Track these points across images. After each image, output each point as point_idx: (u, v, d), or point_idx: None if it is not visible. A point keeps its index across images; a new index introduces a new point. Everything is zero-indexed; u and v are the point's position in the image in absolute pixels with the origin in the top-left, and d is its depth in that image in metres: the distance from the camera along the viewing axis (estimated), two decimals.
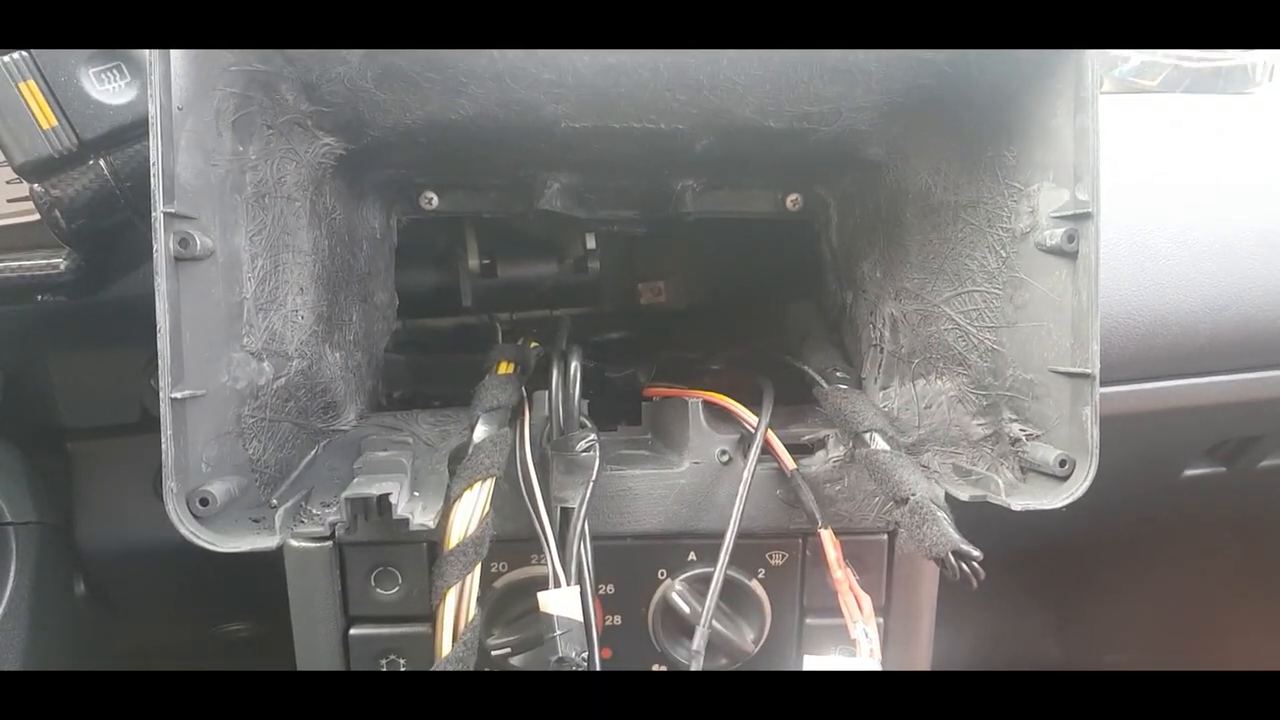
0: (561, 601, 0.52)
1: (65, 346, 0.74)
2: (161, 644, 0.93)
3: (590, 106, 0.52)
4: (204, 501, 0.44)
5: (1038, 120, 0.51)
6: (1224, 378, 0.80)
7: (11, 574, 0.68)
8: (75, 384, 0.75)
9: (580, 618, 0.52)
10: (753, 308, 0.83)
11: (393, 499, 0.49)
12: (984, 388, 0.56)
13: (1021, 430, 0.54)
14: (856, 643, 0.51)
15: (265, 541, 0.46)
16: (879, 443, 0.52)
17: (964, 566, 0.44)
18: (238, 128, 0.47)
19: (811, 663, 0.54)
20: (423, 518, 0.50)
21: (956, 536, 0.45)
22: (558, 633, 0.51)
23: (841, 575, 0.53)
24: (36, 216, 0.55)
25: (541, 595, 0.52)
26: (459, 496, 0.51)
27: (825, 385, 0.60)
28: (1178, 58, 0.82)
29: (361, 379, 0.58)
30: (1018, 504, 0.50)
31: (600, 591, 0.59)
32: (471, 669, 0.48)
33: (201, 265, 0.44)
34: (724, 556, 0.54)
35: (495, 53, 0.48)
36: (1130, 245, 0.73)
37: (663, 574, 0.59)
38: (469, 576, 0.50)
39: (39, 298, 0.60)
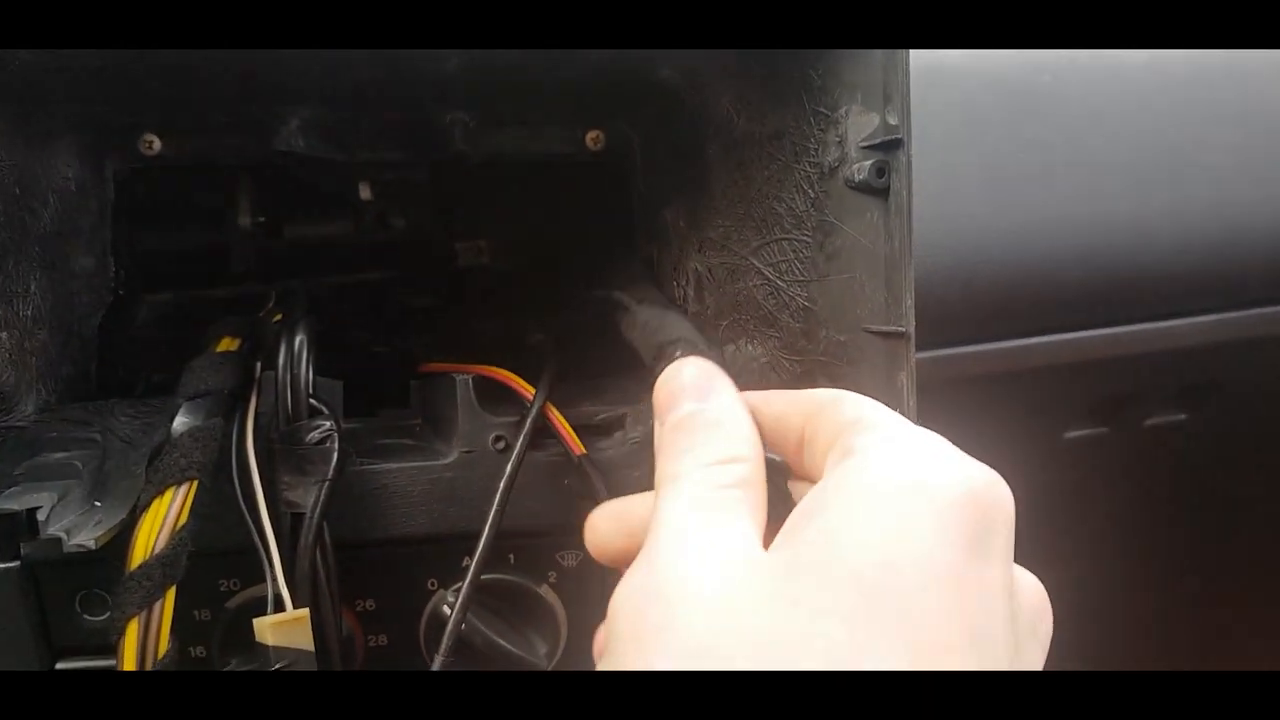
0: (285, 629, 0.43)
1: None
2: None
3: None
4: None
5: None
6: (1099, 331, 0.74)
7: None
8: None
9: (310, 646, 0.43)
10: (585, 266, 0.74)
11: (43, 514, 0.40)
12: (798, 352, 0.48)
13: None
14: None
15: None
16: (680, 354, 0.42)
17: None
18: None
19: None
20: (86, 535, 0.40)
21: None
22: (276, 666, 0.42)
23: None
24: None
25: (258, 622, 0.42)
26: (146, 507, 0.41)
27: (633, 305, 0.50)
28: None
29: (50, 362, 0.48)
30: None
31: (358, 609, 0.50)
32: None
33: None
34: (476, 561, 0.45)
35: None
36: (988, 186, 0.65)
37: (434, 583, 0.50)
38: (158, 604, 0.40)
39: None
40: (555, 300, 0.72)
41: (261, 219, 0.65)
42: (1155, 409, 0.89)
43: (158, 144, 0.52)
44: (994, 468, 0.88)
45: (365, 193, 0.60)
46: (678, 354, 0.40)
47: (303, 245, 0.68)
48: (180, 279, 0.66)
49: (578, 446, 0.48)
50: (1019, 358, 0.72)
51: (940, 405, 0.75)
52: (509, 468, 0.46)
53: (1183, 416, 0.91)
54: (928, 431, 0.32)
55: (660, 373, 0.37)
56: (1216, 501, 1.25)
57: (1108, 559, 1.33)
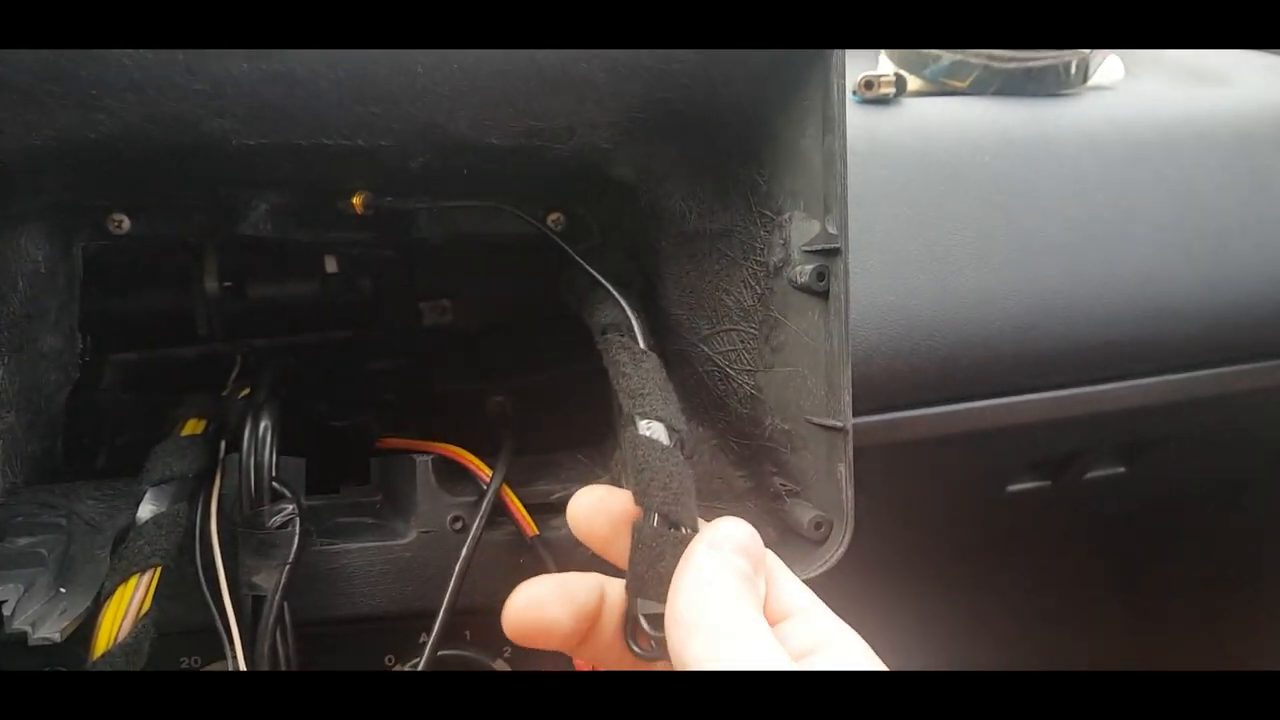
0: None
1: None
2: None
3: (262, 121, 0.43)
4: None
5: (786, 140, 0.45)
6: (1034, 396, 0.77)
7: None
8: None
9: None
10: (548, 328, 0.76)
11: (7, 608, 0.40)
12: (746, 436, 0.50)
13: (783, 485, 0.49)
14: None
15: None
16: (657, 432, 0.42)
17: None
18: None
19: None
20: (50, 628, 0.41)
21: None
22: None
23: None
24: None
25: None
26: (110, 594, 0.42)
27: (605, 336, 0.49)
28: (988, 57, 0.78)
29: (16, 444, 0.49)
30: None
31: None
32: None
33: None
34: (433, 639, 0.46)
35: (125, 56, 0.39)
36: (929, 261, 0.68)
37: (390, 660, 0.51)
38: None
39: None
40: (518, 360, 0.74)
41: (227, 284, 0.66)
42: (1095, 464, 0.92)
43: (126, 223, 0.53)
44: (938, 519, 0.91)
45: (331, 266, 0.62)
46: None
47: (267, 306, 0.69)
48: (145, 340, 0.67)
49: (531, 528, 0.50)
50: (960, 421, 0.75)
51: (888, 465, 0.79)
52: (465, 550, 0.48)
53: (1122, 470, 0.95)
54: None
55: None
56: (1155, 545, 1.29)
57: (1050, 603, 1.37)
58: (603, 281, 0.51)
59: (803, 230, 0.45)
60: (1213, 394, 0.85)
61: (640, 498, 0.39)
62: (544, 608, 0.40)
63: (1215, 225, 0.78)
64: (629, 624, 0.39)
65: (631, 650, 0.39)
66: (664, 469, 0.40)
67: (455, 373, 0.74)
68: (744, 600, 0.34)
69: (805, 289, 0.45)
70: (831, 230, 0.43)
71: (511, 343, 0.77)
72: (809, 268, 0.44)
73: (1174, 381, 0.82)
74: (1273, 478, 1.08)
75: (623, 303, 0.49)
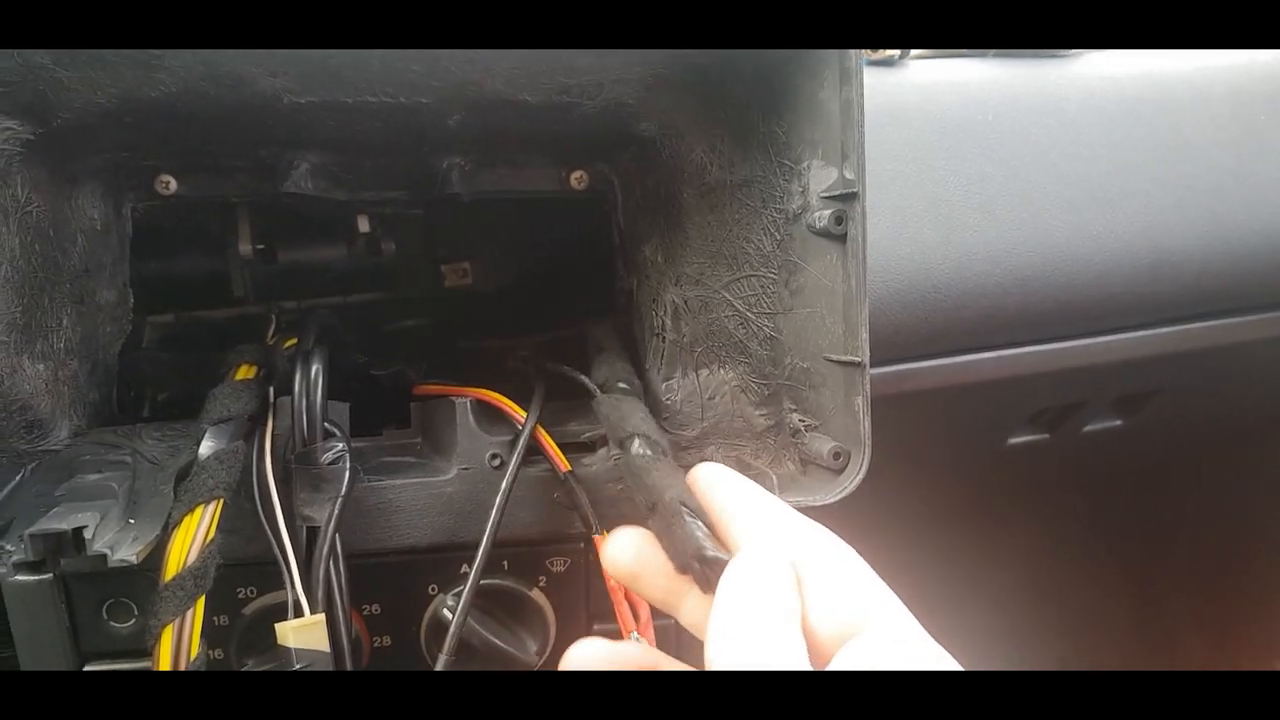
0: (304, 632, 0.47)
1: None
2: None
3: (313, 80, 0.46)
4: None
5: (806, 93, 0.48)
6: (1038, 347, 0.80)
7: None
8: None
9: (327, 648, 0.47)
10: (566, 288, 0.79)
11: (88, 532, 0.43)
12: (765, 377, 0.53)
13: (801, 421, 0.52)
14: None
15: None
16: (637, 447, 0.48)
17: (709, 573, 0.40)
18: None
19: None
20: (126, 551, 0.44)
21: (705, 542, 0.41)
22: (297, 666, 0.46)
23: (616, 582, 0.50)
24: None
25: (280, 626, 0.47)
26: (177, 524, 0.45)
27: (599, 394, 0.55)
28: None
29: (80, 390, 0.52)
30: (789, 500, 0.48)
31: (365, 612, 0.54)
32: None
33: None
34: (476, 568, 0.49)
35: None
36: (935, 216, 0.71)
37: (434, 589, 0.54)
38: (189, 612, 0.44)
39: None
40: (536, 321, 0.77)
41: (260, 246, 0.69)
42: (1093, 417, 0.96)
43: (174, 184, 0.56)
44: (941, 472, 0.95)
45: (364, 226, 0.64)
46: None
47: (297, 270, 0.72)
48: (181, 303, 0.70)
49: (564, 464, 0.53)
50: (964, 372, 0.78)
51: (893, 417, 0.82)
52: (504, 484, 0.51)
53: (1119, 422, 0.98)
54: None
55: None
56: (1150, 497, 1.33)
57: (1048, 555, 1.41)
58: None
59: (821, 178, 0.48)
60: (1206, 346, 0.88)
61: (653, 493, 0.44)
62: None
63: (1210, 180, 0.81)
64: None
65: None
66: (648, 467, 0.46)
67: (478, 330, 0.77)
68: (776, 613, 0.37)
69: (824, 233, 0.48)
70: (849, 176, 0.46)
71: (530, 302, 0.80)
72: (827, 213, 0.47)
73: (1168, 334, 0.85)
74: (1266, 429, 1.12)
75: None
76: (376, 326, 0.75)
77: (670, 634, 0.54)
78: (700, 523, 0.42)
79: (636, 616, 0.50)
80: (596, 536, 0.51)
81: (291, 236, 0.71)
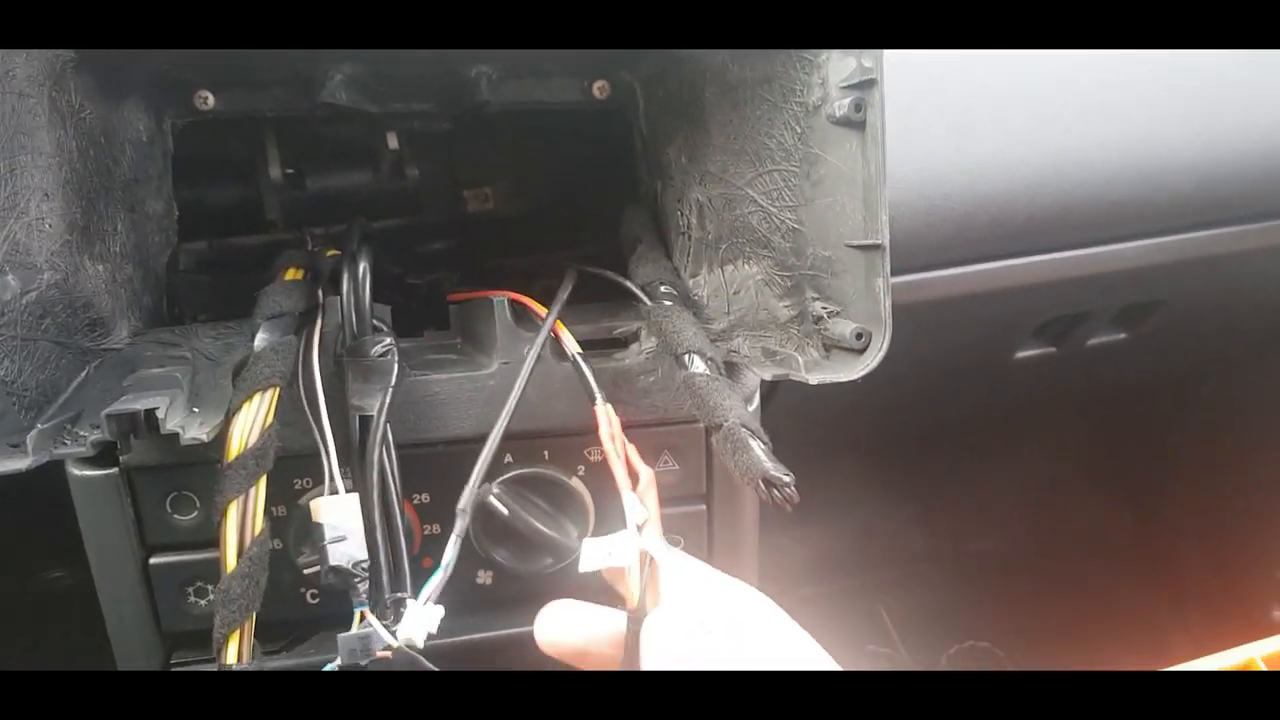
0: (337, 509, 0.49)
1: None
2: None
3: None
4: None
5: None
6: (1043, 257, 0.82)
7: None
8: None
9: (359, 525, 0.49)
10: (588, 210, 0.81)
11: (160, 414, 0.46)
12: (788, 268, 0.56)
13: (824, 308, 0.54)
14: (643, 521, 0.48)
15: (15, 464, 0.42)
16: (697, 365, 0.50)
17: (776, 493, 0.43)
18: None
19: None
20: (196, 431, 0.47)
21: (768, 463, 0.43)
22: (327, 541, 0.47)
23: (613, 447, 0.50)
24: None
25: (314, 502, 0.48)
26: (238, 408, 0.48)
27: (649, 302, 0.57)
28: None
29: (135, 294, 0.54)
30: (815, 378, 0.50)
31: (415, 501, 0.57)
32: (262, 584, 0.46)
33: None
34: (488, 451, 0.51)
35: None
36: (945, 125, 0.73)
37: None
38: (252, 489, 0.47)
39: None
40: (556, 240, 0.79)
41: (290, 171, 0.71)
42: (1098, 329, 0.98)
43: (211, 99, 0.58)
44: (951, 387, 0.97)
45: (392, 143, 0.66)
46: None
47: (325, 195, 0.74)
48: (215, 229, 0.72)
49: (573, 346, 0.54)
50: (973, 282, 0.81)
51: (902, 327, 0.84)
52: (524, 370, 0.53)
53: (1123, 335, 1.01)
54: None
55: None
56: (1154, 414, 1.36)
57: (1053, 471, 1.44)
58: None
59: (839, 69, 0.50)
60: (1208, 255, 0.90)
61: (716, 415, 0.47)
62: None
63: (1212, 89, 0.82)
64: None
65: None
66: (710, 388, 0.48)
67: (501, 251, 0.79)
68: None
69: (843, 121, 0.50)
70: (867, 64, 0.48)
71: (548, 224, 0.82)
72: (846, 101, 0.49)
73: (1170, 243, 0.87)
74: (1267, 339, 1.14)
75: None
76: (406, 249, 0.77)
77: None
78: (762, 443, 0.45)
79: (636, 478, 0.51)
80: (597, 405, 0.52)
81: (319, 162, 0.73)
